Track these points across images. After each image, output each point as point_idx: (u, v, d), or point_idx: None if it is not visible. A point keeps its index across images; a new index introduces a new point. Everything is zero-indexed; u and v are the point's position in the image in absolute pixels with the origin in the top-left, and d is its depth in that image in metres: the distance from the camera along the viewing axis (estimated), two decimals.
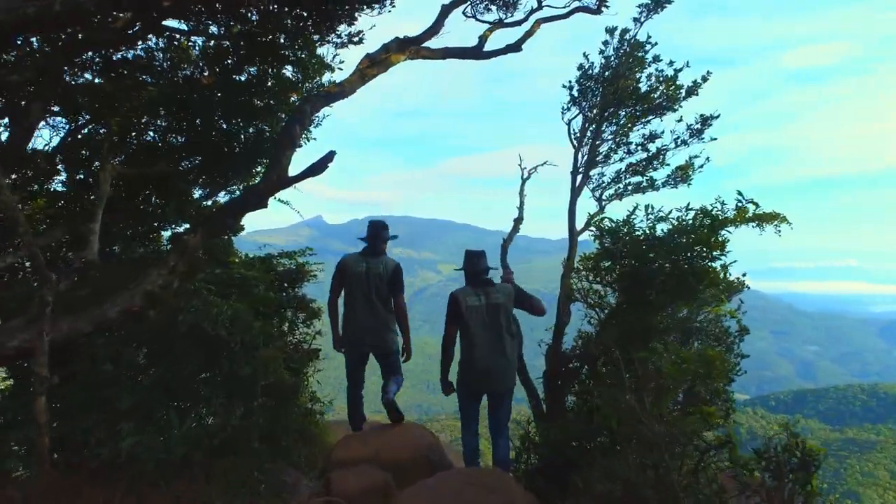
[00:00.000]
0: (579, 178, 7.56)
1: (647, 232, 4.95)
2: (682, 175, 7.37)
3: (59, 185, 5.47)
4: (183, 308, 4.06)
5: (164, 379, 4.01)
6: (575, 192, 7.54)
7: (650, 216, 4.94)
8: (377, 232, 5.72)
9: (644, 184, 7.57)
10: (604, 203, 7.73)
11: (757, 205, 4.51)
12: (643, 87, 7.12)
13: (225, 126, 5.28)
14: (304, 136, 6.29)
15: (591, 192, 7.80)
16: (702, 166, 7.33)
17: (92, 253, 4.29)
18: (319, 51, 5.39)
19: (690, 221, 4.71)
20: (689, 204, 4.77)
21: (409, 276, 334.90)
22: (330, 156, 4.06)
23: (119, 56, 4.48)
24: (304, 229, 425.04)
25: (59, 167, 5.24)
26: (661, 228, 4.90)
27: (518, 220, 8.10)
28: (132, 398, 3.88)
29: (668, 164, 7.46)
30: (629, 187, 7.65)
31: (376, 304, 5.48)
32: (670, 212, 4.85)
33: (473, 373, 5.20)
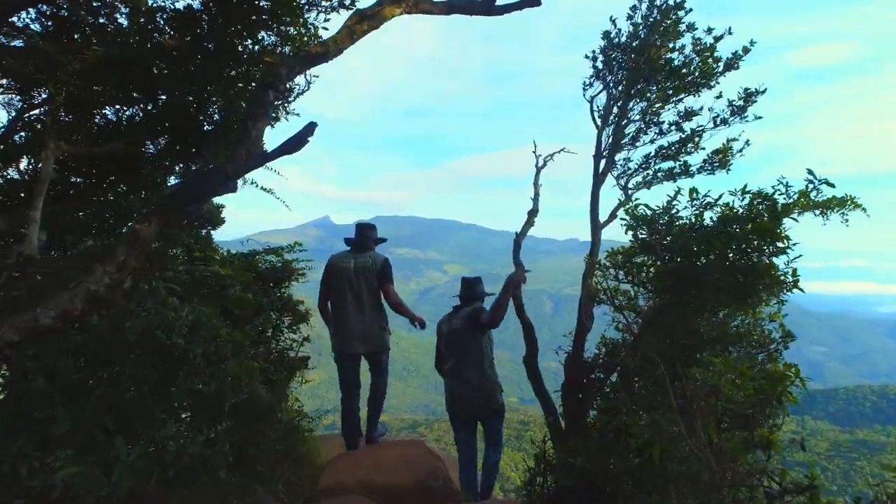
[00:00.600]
0: (603, 162, 6.76)
1: (693, 221, 4.09)
2: (721, 159, 6.48)
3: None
4: (133, 312, 3.37)
5: (109, 398, 3.30)
6: (598, 179, 6.78)
7: (695, 202, 4.08)
8: (364, 231, 5.60)
9: (677, 169, 6.67)
10: (630, 192, 6.92)
11: (832, 185, 3.68)
12: (676, 59, 6.27)
13: (195, 99, 4.55)
14: (284, 108, 5.61)
15: (616, 180, 7.00)
16: (741, 150, 6.49)
17: (30, 247, 3.61)
18: (306, 16, 4.64)
19: (745, 208, 3.86)
20: (745, 186, 3.89)
21: (416, 276, 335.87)
22: (310, 128, 3.36)
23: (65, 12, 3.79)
24: (311, 229, 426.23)
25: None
26: (710, 217, 4.03)
27: (533, 213, 7.40)
28: (70, 421, 3.18)
29: (702, 148, 6.62)
30: (659, 174, 6.78)
31: (365, 300, 5.28)
32: (720, 196, 3.96)
33: (448, 398, 5.39)
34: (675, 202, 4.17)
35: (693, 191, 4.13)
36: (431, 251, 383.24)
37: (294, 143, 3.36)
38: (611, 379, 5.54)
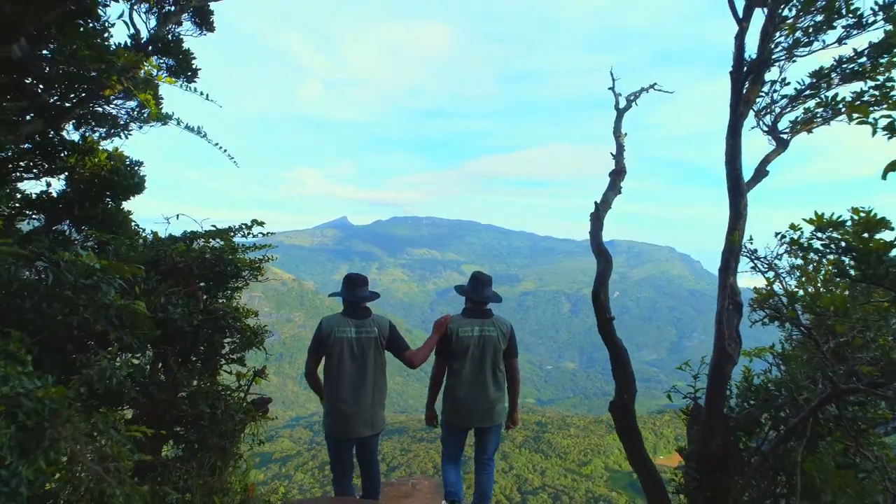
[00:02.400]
0: (748, 83, 4.52)
1: None
2: None
3: None
4: None
5: None
6: (739, 110, 4.53)
7: None
8: (359, 291, 4.94)
9: (873, 95, 4.06)
10: (784, 136, 4.77)
11: None
12: None
13: None
14: None
15: (756, 118, 4.81)
16: None
17: None
18: None
19: None
20: None
21: (433, 276, 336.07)
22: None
23: None
24: (329, 230, 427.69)
25: None
26: None
27: (618, 175, 6.08)
28: None
29: None
30: (837, 105, 4.30)
31: (370, 376, 4.72)
32: None
33: (458, 409, 5.00)
34: None
35: None
36: (449, 252, 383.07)
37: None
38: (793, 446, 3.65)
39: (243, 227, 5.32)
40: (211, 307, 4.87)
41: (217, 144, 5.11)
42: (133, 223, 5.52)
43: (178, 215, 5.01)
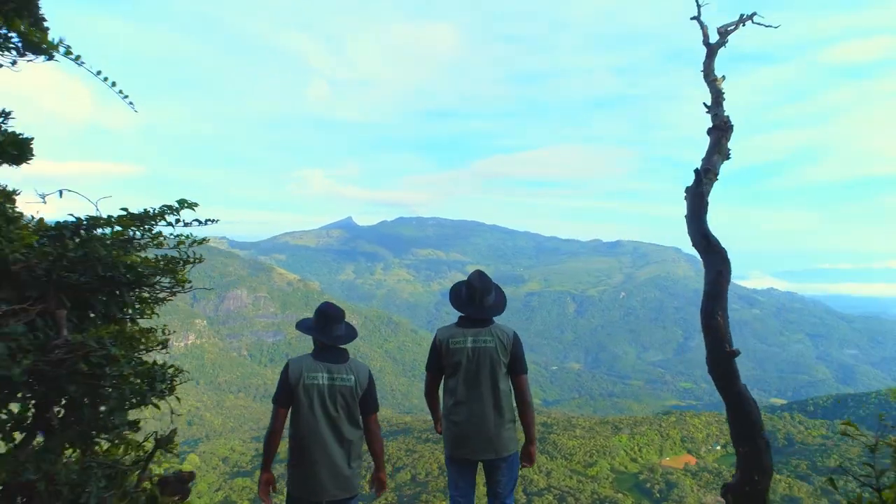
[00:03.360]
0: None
1: None
2: None
3: None
4: None
5: None
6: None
7: None
8: (337, 329, 4.27)
9: None
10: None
11: None
12: None
13: None
14: None
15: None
16: None
17: None
18: None
19: None
20: None
21: (438, 277, 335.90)
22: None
23: None
24: (334, 230, 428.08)
25: None
26: None
27: (722, 130, 5.28)
28: None
29: None
30: None
31: (344, 431, 4.03)
32: None
33: (457, 436, 4.28)
34: None
35: None
36: (454, 252, 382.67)
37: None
38: None
39: (165, 210, 3.30)
40: (77, 341, 2.66)
41: (105, 78, 2.95)
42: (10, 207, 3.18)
43: (60, 191, 2.99)
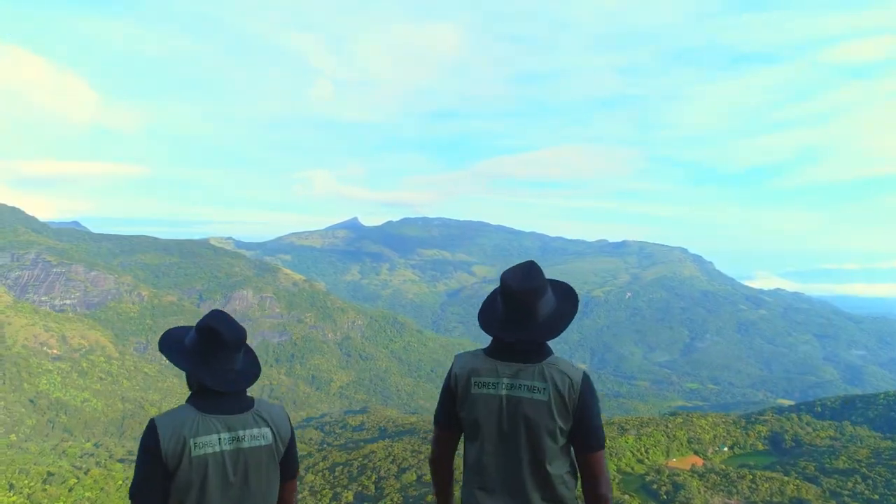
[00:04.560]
0: None
1: None
2: None
3: None
4: None
5: None
6: None
7: None
8: (224, 358, 2.84)
9: None
10: None
11: None
12: None
13: None
14: None
15: None
16: None
17: None
18: None
19: None
20: None
21: (444, 277, 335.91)
22: None
23: None
24: (339, 231, 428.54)
25: None
26: None
27: None
28: None
29: None
30: None
31: None
32: None
33: None
34: None
35: None
36: (460, 253, 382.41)
37: None
38: None
39: None
40: None
41: None
42: None
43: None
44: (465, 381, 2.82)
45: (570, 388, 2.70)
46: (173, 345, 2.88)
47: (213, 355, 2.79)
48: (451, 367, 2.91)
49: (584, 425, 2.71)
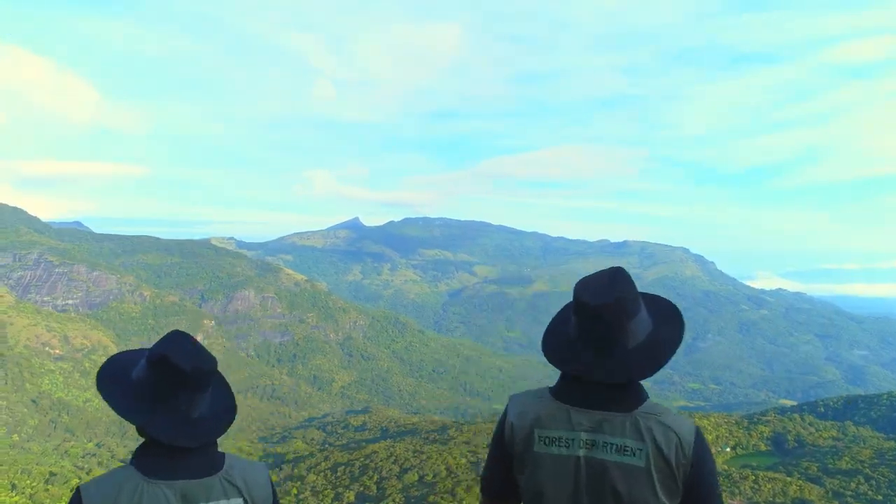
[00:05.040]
0: None
1: None
2: None
3: None
4: None
5: None
6: None
7: None
8: (192, 396, 2.10)
9: None
10: None
11: None
12: None
13: None
14: None
15: None
16: None
17: None
18: None
19: None
20: None
21: (445, 277, 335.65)
22: None
23: None
24: (341, 231, 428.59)
25: None
26: None
27: None
28: None
29: None
30: None
31: None
32: None
33: None
34: None
35: None
36: (461, 253, 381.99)
37: None
38: None
39: None
40: None
41: None
42: None
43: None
44: (525, 435, 2.05)
45: (678, 449, 1.92)
46: (116, 379, 2.14)
47: (167, 397, 2.02)
48: (505, 414, 2.16)
49: (693, 495, 1.96)
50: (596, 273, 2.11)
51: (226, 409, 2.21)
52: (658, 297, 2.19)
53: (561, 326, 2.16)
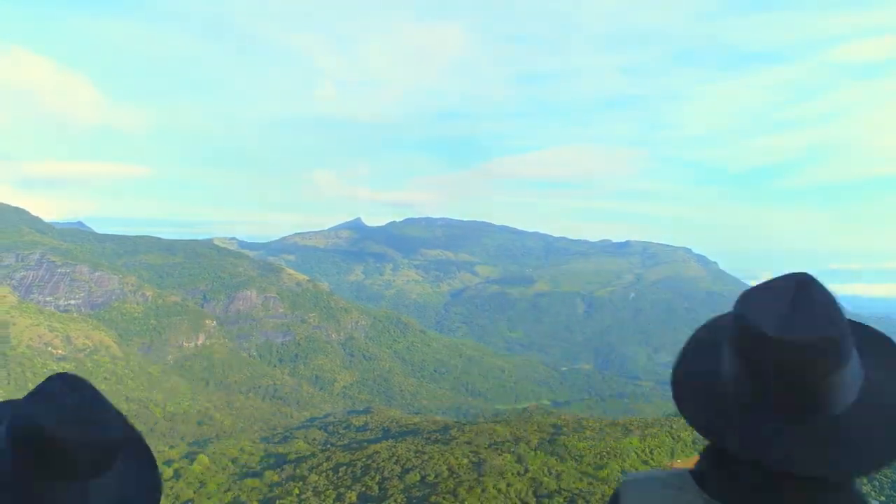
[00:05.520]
0: None
1: None
2: None
3: None
4: None
5: None
6: None
7: None
8: (87, 471, 1.30)
9: None
10: None
11: None
12: None
13: None
14: None
15: None
16: None
17: None
18: None
19: None
20: None
21: (447, 277, 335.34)
22: None
23: None
24: (343, 231, 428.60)
25: None
26: None
27: None
28: None
29: None
30: None
31: None
32: None
33: None
34: None
35: None
36: (463, 253, 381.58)
37: None
38: None
39: None
40: None
41: None
42: None
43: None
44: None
45: None
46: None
47: (38, 487, 1.28)
48: None
49: None
50: (770, 284, 1.29)
51: (146, 489, 1.46)
52: (859, 323, 1.36)
53: (705, 367, 1.36)
